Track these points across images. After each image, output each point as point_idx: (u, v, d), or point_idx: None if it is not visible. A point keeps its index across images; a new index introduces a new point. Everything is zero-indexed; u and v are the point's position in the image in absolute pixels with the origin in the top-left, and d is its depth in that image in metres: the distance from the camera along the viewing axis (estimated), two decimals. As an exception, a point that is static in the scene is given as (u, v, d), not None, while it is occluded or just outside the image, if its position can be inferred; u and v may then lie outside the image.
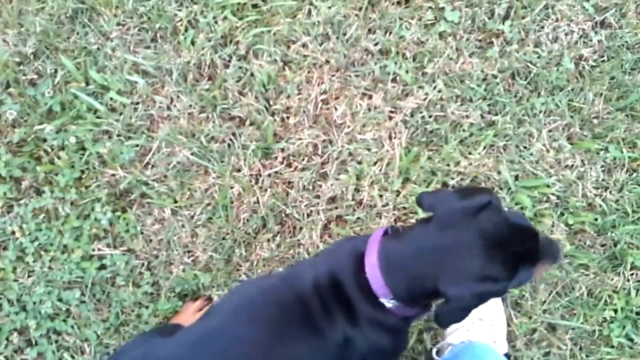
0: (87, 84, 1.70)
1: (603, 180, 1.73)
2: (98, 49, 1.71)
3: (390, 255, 1.05)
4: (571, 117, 1.75)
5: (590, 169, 1.72)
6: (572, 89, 1.76)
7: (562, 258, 1.11)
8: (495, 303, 1.62)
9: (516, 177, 1.71)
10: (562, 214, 1.71)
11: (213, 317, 1.16)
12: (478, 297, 1.00)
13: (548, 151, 1.72)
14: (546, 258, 1.07)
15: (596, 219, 1.71)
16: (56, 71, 1.69)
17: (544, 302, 1.66)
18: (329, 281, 1.08)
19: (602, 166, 1.74)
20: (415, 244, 1.05)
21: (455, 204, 1.02)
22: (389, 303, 1.05)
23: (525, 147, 1.73)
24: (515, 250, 1.00)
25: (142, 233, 1.68)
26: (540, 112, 1.74)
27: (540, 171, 1.70)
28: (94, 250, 1.67)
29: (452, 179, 1.68)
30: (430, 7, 1.76)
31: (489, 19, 1.76)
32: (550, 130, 1.74)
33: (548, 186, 1.70)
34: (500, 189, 1.70)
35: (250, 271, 1.69)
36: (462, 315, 1.02)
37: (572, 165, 1.72)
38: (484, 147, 1.70)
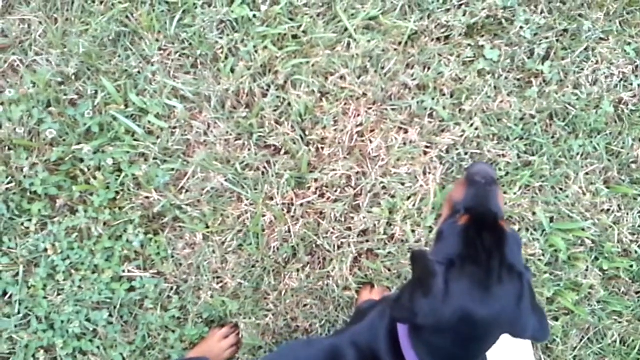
0: (127, 106, 1.72)
1: (639, 226, 1.71)
2: (139, 72, 1.73)
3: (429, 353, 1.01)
4: (609, 160, 1.73)
5: (627, 214, 1.70)
6: (611, 133, 1.75)
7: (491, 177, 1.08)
8: (525, 347, 1.59)
9: (551, 219, 1.69)
10: (596, 258, 1.69)
11: None
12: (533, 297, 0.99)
13: (584, 194, 1.70)
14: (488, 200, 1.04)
15: (631, 266, 1.69)
16: (97, 92, 1.71)
17: (575, 348, 1.64)
18: None
19: (639, 212, 1.72)
20: (442, 341, 0.99)
21: (427, 302, 0.95)
22: None
23: (561, 189, 1.71)
24: (489, 252, 0.96)
25: (172, 257, 1.69)
26: (578, 154, 1.73)
27: (576, 214, 1.69)
28: (124, 271, 1.68)
29: (486, 218, 1.67)
30: (469, 45, 1.76)
31: (529, 58, 1.76)
32: (587, 173, 1.72)
33: (583, 230, 1.68)
34: (535, 230, 1.68)
35: (278, 301, 1.68)
36: None
37: (609, 210, 1.70)
38: (520, 187, 1.69)
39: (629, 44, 1.79)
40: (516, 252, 0.98)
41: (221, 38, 1.72)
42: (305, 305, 1.69)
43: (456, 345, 0.95)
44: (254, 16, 1.72)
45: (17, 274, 1.66)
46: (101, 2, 1.74)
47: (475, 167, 1.10)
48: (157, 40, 1.74)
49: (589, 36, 1.77)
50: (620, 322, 1.66)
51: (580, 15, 1.78)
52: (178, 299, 1.68)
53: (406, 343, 1.01)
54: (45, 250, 1.67)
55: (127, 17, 1.73)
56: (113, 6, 1.72)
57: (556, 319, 1.67)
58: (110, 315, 1.66)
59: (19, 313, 1.65)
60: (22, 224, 1.68)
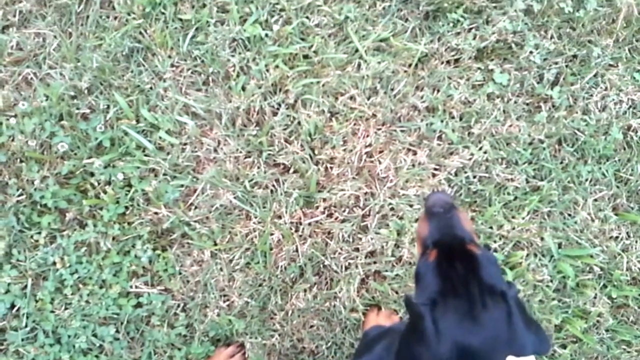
0: (138, 121, 1.73)
1: (648, 254, 1.71)
2: (151, 88, 1.74)
3: None
4: (617, 187, 1.73)
5: (636, 242, 1.70)
6: (619, 159, 1.75)
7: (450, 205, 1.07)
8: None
9: (560, 245, 1.69)
10: (605, 286, 1.69)
11: None
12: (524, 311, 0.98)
13: (593, 220, 1.70)
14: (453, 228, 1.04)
15: (640, 294, 1.68)
16: (109, 107, 1.72)
17: (583, 376, 1.63)
18: None
19: (648, 240, 1.72)
20: None
21: (424, 349, 0.94)
22: None
23: (569, 215, 1.71)
24: (466, 279, 0.96)
25: (180, 273, 1.69)
26: (587, 180, 1.73)
27: (585, 241, 1.69)
28: (131, 287, 1.68)
29: (495, 242, 1.67)
30: (479, 68, 1.77)
31: (538, 83, 1.77)
32: (595, 200, 1.72)
33: (592, 256, 1.68)
34: (543, 255, 1.68)
35: (285, 321, 1.68)
36: None
37: (617, 237, 1.70)
38: (528, 212, 1.69)
39: (638, 70, 1.79)
40: (493, 271, 0.97)
41: (233, 56, 1.74)
42: (311, 326, 1.68)
43: None
44: (266, 35, 1.73)
45: (25, 286, 1.66)
46: (115, 18, 1.76)
47: (432, 199, 1.09)
48: (170, 57, 1.75)
49: (598, 62, 1.78)
50: (629, 352, 1.66)
51: (589, 42, 1.80)
52: (185, 317, 1.68)
53: None
54: (54, 263, 1.67)
55: (140, 33, 1.74)
56: (127, 22, 1.74)
57: (564, 346, 1.67)
58: (117, 331, 1.66)
59: (26, 326, 1.65)
60: (32, 237, 1.68)
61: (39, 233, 1.68)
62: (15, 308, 1.66)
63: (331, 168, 1.73)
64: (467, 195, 1.71)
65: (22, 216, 1.67)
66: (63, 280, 1.67)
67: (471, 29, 1.79)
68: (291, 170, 1.73)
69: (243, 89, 1.74)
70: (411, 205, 1.70)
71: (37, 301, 1.66)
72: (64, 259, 1.67)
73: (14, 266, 1.67)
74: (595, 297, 1.66)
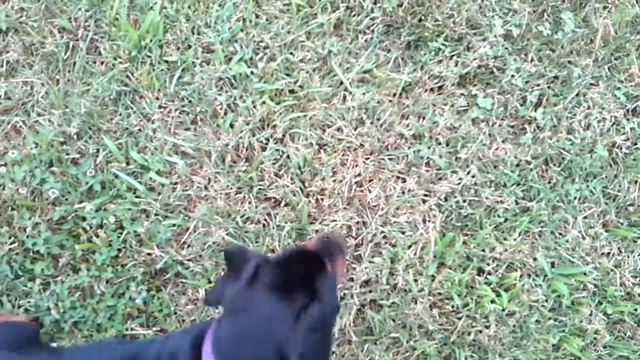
0: (128, 164, 1.74)
1: (641, 269, 1.72)
2: (139, 130, 1.76)
3: (220, 342, 1.05)
4: (606, 204, 1.75)
5: (628, 257, 1.71)
6: (606, 176, 1.77)
7: (343, 247, 1.35)
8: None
9: (552, 264, 1.70)
10: (600, 302, 1.69)
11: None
12: (320, 333, 1.02)
13: (584, 238, 1.71)
14: (331, 257, 1.21)
15: (636, 309, 1.68)
16: (98, 151, 1.74)
17: (584, 395, 1.62)
18: None
19: (640, 254, 1.73)
20: (234, 330, 1.04)
21: (233, 287, 1.05)
22: None
23: (560, 234, 1.73)
24: (304, 276, 1.07)
25: (175, 313, 1.68)
26: (575, 198, 1.74)
27: (577, 259, 1.69)
28: (127, 329, 1.67)
29: (488, 264, 1.68)
30: (462, 94, 1.80)
31: (522, 105, 1.80)
32: (585, 217, 1.74)
33: (585, 274, 1.69)
34: (537, 275, 1.68)
35: (283, 355, 1.66)
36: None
37: (609, 253, 1.71)
38: (519, 233, 1.70)
39: (619, 88, 1.83)
40: (328, 284, 1.07)
41: (220, 94, 1.76)
42: None
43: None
44: (252, 73, 1.76)
45: (20, 335, 1.65)
46: (102, 63, 1.78)
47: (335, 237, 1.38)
48: (157, 99, 1.77)
49: (579, 82, 1.81)
50: (627, 367, 1.65)
51: (569, 62, 1.83)
52: (181, 357, 1.66)
53: (208, 343, 1.04)
54: (48, 309, 1.66)
55: (127, 76, 1.77)
56: (114, 66, 1.76)
57: (563, 365, 1.66)
58: (113, 376, 1.64)
59: (21, 376, 1.63)
60: (25, 284, 1.67)
61: (33, 280, 1.68)
62: (11, 358, 1.64)
63: (322, 199, 1.74)
64: (457, 220, 1.72)
65: (15, 264, 1.66)
66: (58, 326, 1.65)
67: (452, 56, 1.82)
68: (282, 204, 1.74)
69: (231, 126, 1.76)
70: (403, 232, 1.71)
71: (32, 349, 1.65)
72: (58, 304, 1.66)
73: (8, 315, 1.66)
74: (591, 315, 1.66)
